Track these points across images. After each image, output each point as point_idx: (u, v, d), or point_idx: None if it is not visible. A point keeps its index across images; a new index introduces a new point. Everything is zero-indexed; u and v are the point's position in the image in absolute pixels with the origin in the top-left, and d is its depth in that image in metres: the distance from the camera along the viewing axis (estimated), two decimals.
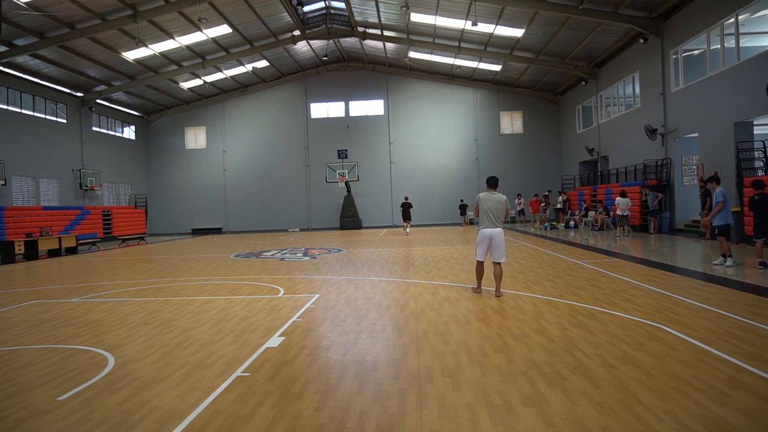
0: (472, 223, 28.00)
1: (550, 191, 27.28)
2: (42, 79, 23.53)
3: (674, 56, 18.16)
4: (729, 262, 9.56)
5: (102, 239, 25.09)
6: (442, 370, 4.33)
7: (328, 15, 26.36)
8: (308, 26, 26.50)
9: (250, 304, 7.60)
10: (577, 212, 23.98)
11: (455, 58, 27.93)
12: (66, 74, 23.74)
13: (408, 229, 23.17)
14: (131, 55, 23.38)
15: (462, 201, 28.79)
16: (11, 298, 9.03)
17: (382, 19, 24.85)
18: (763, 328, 5.21)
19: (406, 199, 24.35)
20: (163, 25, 21.56)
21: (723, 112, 15.38)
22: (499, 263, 7.52)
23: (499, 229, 7.47)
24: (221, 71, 28.68)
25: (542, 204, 24.60)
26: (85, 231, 23.97)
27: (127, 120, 31.18)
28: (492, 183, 7.68)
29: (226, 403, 3.76)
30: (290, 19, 24.45)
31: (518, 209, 27.16)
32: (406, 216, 23.11)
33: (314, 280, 9.97)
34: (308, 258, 14.27)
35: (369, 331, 5.74)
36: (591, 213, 22.18)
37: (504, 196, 7.61)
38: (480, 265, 7.77)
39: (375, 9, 23.73)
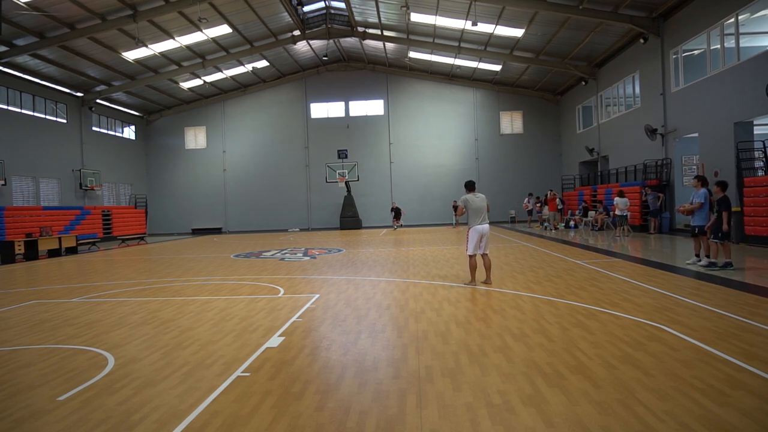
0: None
1: (551, 191, 27.10)
2: (42, 79, 23.53)
3: (674, 56, 18.16)
4: (704, 261, 9.52)
5: (102, 239, 25.09)
6: (442, 370, 4.33)
7: (328, 15, 26.36)
8: (308, 26, 26.49)
9: (250, 304, 7.60)
10: (576, 212, 23.96)
11: (455, 58, 27.93)
12: (66, 74, 23.74)
13: (398, 226, 28.13)
14: (131, 55, 23.38)
15: (455, 202, 28.15)
16: (11, 298, 9.03)
17: (382, 19, 24.86)
18: (763, 328, 5.21)
19: (394, 204, 29.40)
20: (163, 25, 21.56)
21: (723, 112, 15.38)
22: (487, 254, 8.54)
23: (487, 225, 8.42)
24: (221, 71, 28.68)
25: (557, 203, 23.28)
26: (85, 231, 23.97)
27: (127, 120, 31.18)
28: (472, 186, 8.61)
29: (226, 403, 3.76)
30: (290, 19, 24.46)
31: (527, 209, 25.77)
32: (398, 215, 28.21)
33: (314, 280, 9.97)
34: (308, 258, 14.27)
35: (369, 331, 5.74)
36: (591, 213, 22.17)
37: (483, 195, 8.61)
38: (473, 259, 8.54)
39: (375, 9, 23.73)
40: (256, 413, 3.55)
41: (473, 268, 8.57)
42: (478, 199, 8.40)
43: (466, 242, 8.44)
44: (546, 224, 23.68)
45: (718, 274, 8.69)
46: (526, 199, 25.88)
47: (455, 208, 26.94)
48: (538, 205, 24.57)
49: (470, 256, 8.49)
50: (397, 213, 28.27)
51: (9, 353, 5.35)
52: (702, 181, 9.69)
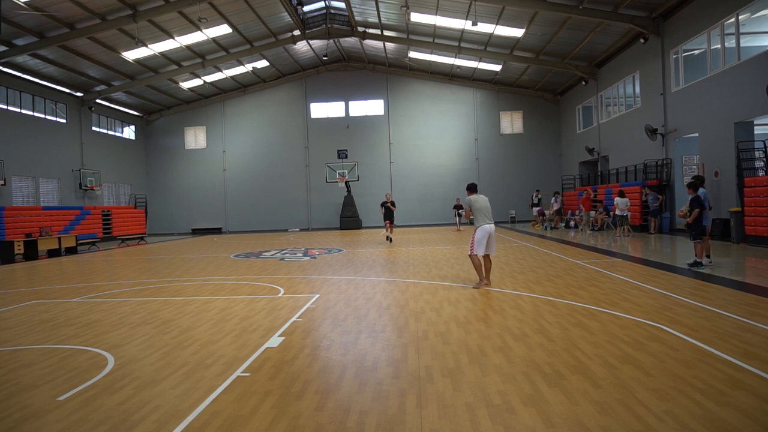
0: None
1: (585, 191, 26.11)
2: (42, 79, 23.52)
3: (674, 56, 18.16)
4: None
5: (102, 239, 25.08)
6: (442, 370, 4.33)
7: (328, 15, 26.36)
8: (308, 26, 26.49)
9: (250, 304, 7.60)
10: (576, 212, 23.95)
11: (455, 58, 27.93)
12: (66, 74, 23.74)
13: (390, 234, 18.94)
14: (131, 55, 23.37)
15: (458, 201, 26.49)
16: (11, 298, 9.03)
17: (382, 19, 24.85)
18: (763, 328, 5.21)
19: (388, 197, 18.94)
20: (163, 25, 21.56)
21: (723, 112, 15.38)
22: (490, 255, 8.42)
23: (494, 225, 8.34)
24: (221, 71, 28.68)
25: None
26: (85, 231, 23.96)
27: (127, 120, 31.18)
28: (475, 188, 8.59)
29: (226, 403, 3.76)
30: (290, 19, 24.45)
31: (555, 208, 24.14)
32: (389, 218, 18.53)
33: (314, 280, 9.97)
34: (308, 258, 14.27)
35: (369, 331, 5.74)
36: (591, 213, 22.15)
37: (486, 197, 8.57)
38: (477, 258, 8.27)
39: (375, 9, 23.73)
40: (256, 413, 3.55)
41: (479, 266, 8.23)
42: (482, 199, 8.33)
43: (472, 241, 8.15)
44: (546, 224, 23.67)
45: (718, 274, 8.68)
46: (553, 199, 24.54)
47: (458, 207, 26.48)
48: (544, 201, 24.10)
49: (478, 257, 8.17)
50: (388, 212, 18.48)
51: (9, 353, 5.35)
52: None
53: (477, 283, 8.33)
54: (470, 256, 8.25)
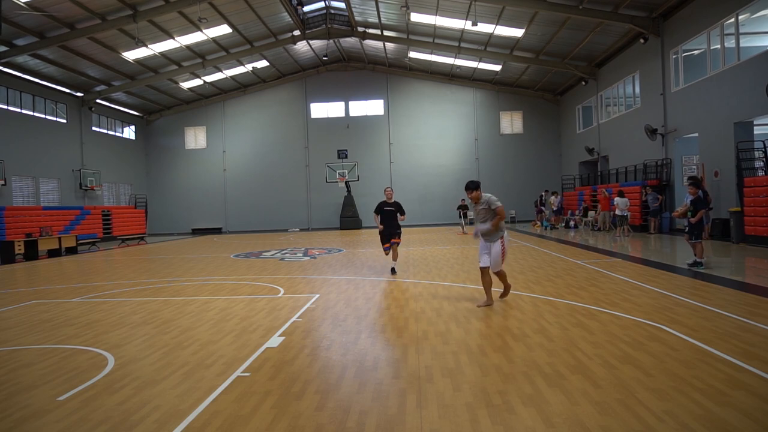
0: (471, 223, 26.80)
1: (604, 190, 25.75)
2: (42, 79, 23.52)
3: (674, 56, 18.16)
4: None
5: (102, 239, 25.08)
6: (442, 370, 4.33)
7: (328, 15, 26.37)
8: (308, 26, 26.50)
9: (250, 304, 7.60)
10: (576, 212, 23.97)
11: (455, 58, 27.94)
12: (66, 74, 23.74)
13: (394, 261, 10.84)
14: (131, 55, 23.38)
15: (462, 201, 25.23)
16: (11, 298, 9.03)
17: (382, 19, 24.86)
18: (763, 328, 5.21)
19: (388, 193, 10.76)
20: (163, 25, 21.57)
21: (723, 112, 15.38)
22: None
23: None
24: (221, 71, 28.68)
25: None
26: (85, 231, 23.96)
27: (127, 120, 31.18)
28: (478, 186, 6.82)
29: (226, 403, 3.76)
30: (290, 19, 24.46)
31: (554, 209, 23.84)
32: (391, 230, 10.52)
33: (314, 280, 9.96)
34: (308, 258, 14.27)
35: (369, 331, 5.74)
36: (591, 213, 22.17)
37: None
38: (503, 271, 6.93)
39: (375, 9, 23.73)
40: (256, 413, 3.55)
41: (504, 276, 6.98)
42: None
43: (503, 252, 6.71)
44: (545, 223, 23.66)
45: (718, 274, 8.68)
46: (553, 197, 24.08)
47: (463, 207, 25.54)
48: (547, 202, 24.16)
49: (502, 271, 6.88)
50: (388, 221, 10.45)
51: (9, 353, 5.35)
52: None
53: (503, 293, 7.16)
54: (499, 273, 6.82)
